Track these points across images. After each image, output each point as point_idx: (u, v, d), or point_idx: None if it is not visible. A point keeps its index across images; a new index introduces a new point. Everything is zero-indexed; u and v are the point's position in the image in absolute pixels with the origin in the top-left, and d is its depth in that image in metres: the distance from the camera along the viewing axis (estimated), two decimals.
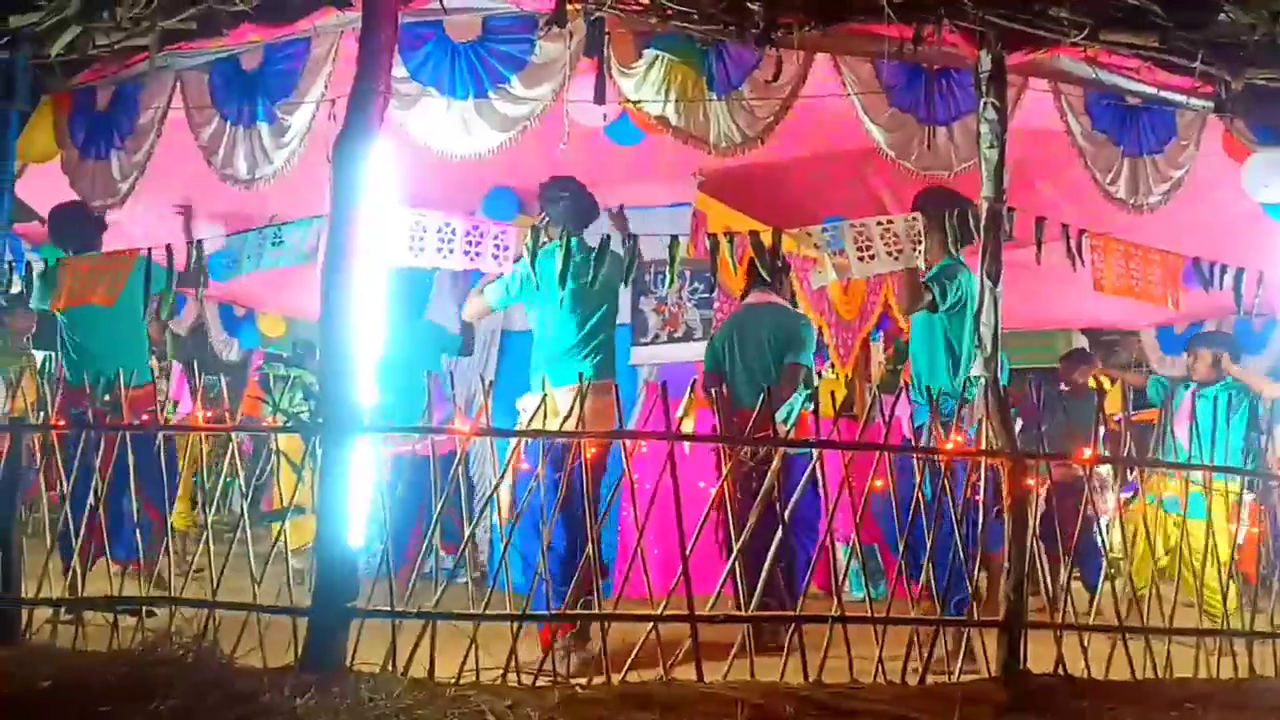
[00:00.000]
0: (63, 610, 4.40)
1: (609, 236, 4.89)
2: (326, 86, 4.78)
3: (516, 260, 4.98)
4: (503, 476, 4.30)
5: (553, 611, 4.08)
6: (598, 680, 3.91)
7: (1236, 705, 4.01)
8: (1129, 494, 5.95)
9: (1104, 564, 4.91)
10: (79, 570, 4.43)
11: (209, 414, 4.38)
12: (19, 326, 6.78)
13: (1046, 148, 5.44)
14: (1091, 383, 8.02)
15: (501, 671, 3.89)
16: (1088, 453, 4.58)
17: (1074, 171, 5.33)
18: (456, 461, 4.13)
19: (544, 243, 4.93)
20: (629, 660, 3.95)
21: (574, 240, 4.89)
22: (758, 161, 5.40)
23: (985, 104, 4.64)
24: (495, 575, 4.17)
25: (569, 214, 5.02)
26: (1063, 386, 7.80)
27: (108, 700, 3.35)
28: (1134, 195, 5.26)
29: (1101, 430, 4.62)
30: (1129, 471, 5.41)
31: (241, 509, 4.29)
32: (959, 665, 4.23)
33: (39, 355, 7.08)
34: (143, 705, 3.30)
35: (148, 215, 6.23)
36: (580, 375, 4.29)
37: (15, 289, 5.57)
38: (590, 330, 4.97)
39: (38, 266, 5.48)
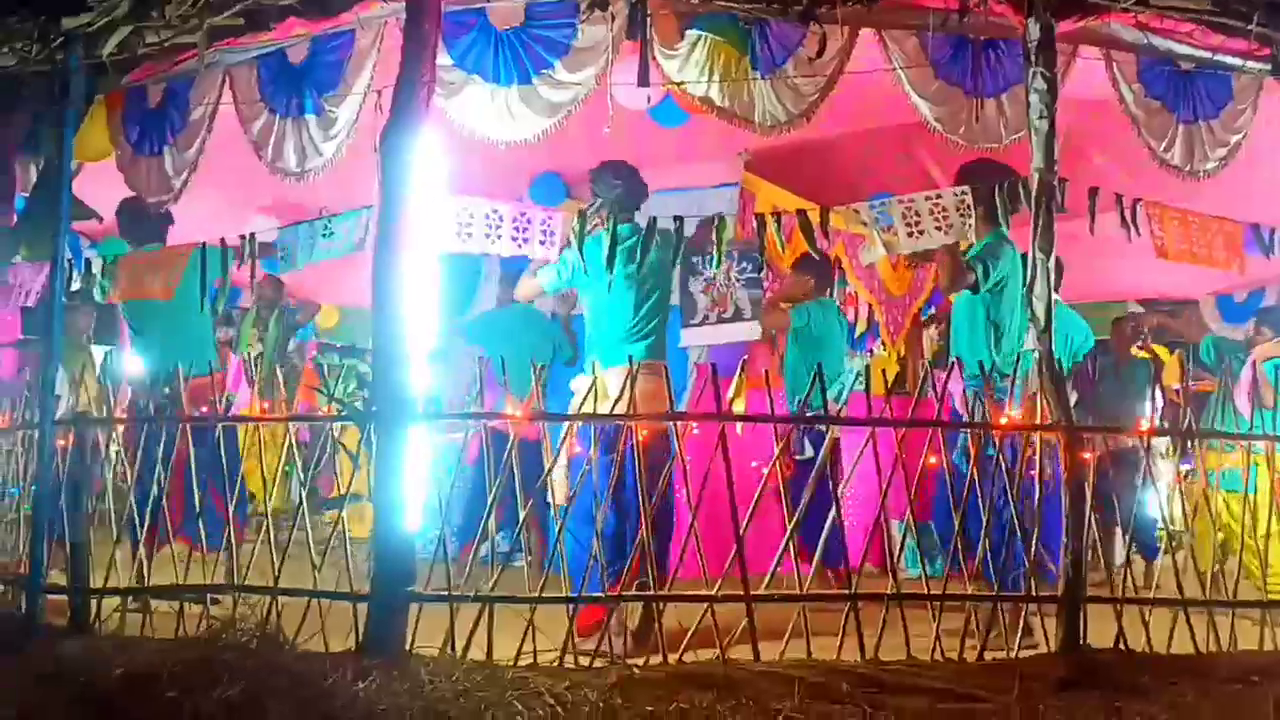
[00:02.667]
0: (130, 599, 4.50)
1: (655, 219, 4.87)
2: (372, 77, 4.81)
3: (565, 245, 5.00)
4: (555, 460, 4.32)
5: (608, 594, 4.10)
6: (654, 661, 3.93)
7: None
8: (1188, 466, 5.86)
9: (1159, 533, 4.84)
10: (145, 560, 4.52)
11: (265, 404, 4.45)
12: (78, 323, 6.91)
13: (1098, 116, 5.35)
14: (1144, 353, 7.89)
15: (559, 653, 3.93)
16: (1144, 424, 4.52)
17: (1127, 140, 5.23)
18: (509, 446, 4.16)
19: (592, 228, 4.92)
20: (685, 641, 3.97)
21: (621, 226, 4.86)
22: (804, 139, 5.36)
23: (1034, 74, 4.55)
24: (551, 558, 4.20)
25: (623, 200, 4.98)
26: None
27: (175, 686, 3.43)
28: (1189, 162, 5.15)
29: (1159, 401, 4.56)
30: (1188, 444, 5.33)
31: (300, 497, 4.35)
32: (1018, 641, 4.21)
33: (99, 350, 7.23)
34: (209, 691, 3.37)
35: (201, 209, 6.31)
36: (630, 358, 4.30)
37: (74, 285, 5.68)
38: (643, 315, 4.92)
39: (96, 264, 5.59)
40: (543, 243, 4.85)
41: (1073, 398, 5.31)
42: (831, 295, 6.87)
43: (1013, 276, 5.00)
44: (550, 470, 4.31)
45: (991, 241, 5.04)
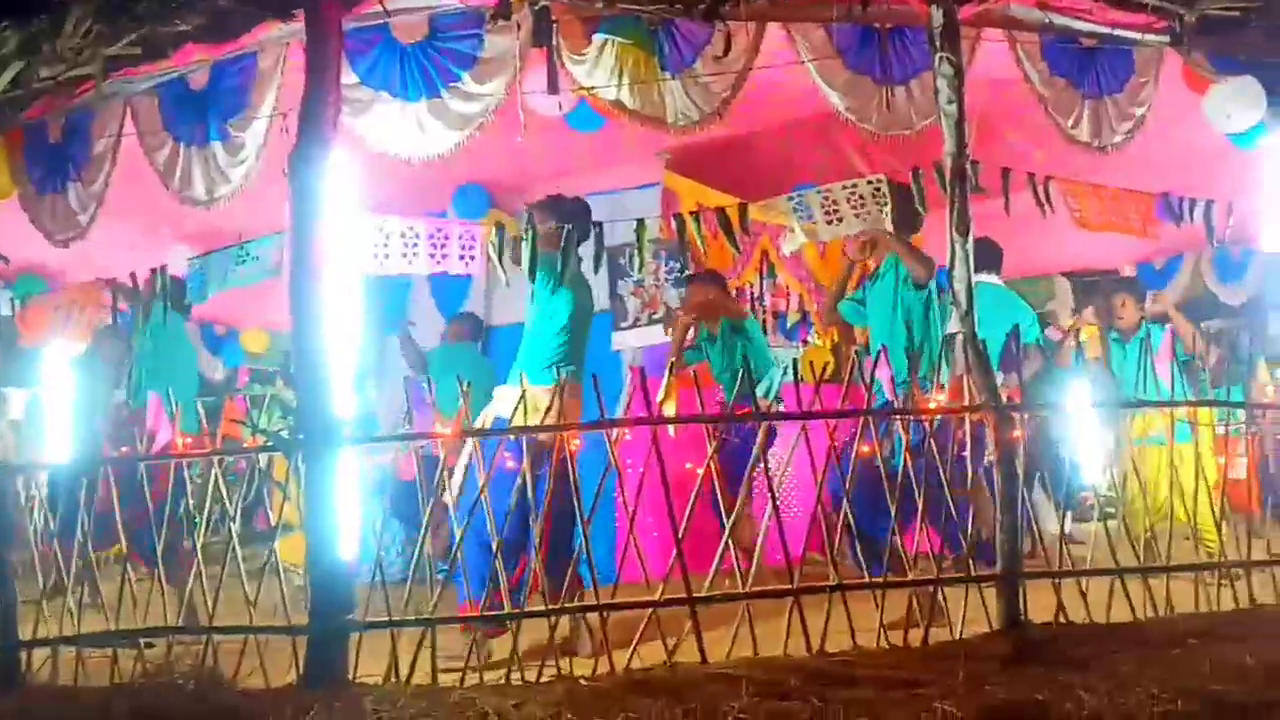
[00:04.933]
0: (61, 648, 4.38)
1: (571, 228, 4.80)
2: (278, 100, 4.74)
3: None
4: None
5: (550, 607, 4.06)
6: (601, 670, 3.90)
7: (1238, 636, 4.01)
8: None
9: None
10: (73, 608, 4.41)
11: (188, 440, 4.34)
12: None
13: (1008, 96, 5.41)
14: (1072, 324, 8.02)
15: (505, 671, 3.89)
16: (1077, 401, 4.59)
17: (1038, 117, 5.31)
18: (441, 467, 4.11)
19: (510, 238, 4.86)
20: (631, 647, 3.94)
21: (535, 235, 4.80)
22: (724, 135, 5.38)
23: (940, 59, 4.59)
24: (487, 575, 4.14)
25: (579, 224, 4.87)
26: None
27: None
28: (1096, 137, 5.24)
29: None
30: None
31: (229, 531, 4.26)
32: (962, 622, 4.24)
33: (18, 394, 7.04)
34: None
35: (118, 241, 6.18)
36: (557, 371, 4.27)
37: None
38: (566, 333, 4.87)
39: (5, 304, 5.46)
40: (461, 258, 4.79)
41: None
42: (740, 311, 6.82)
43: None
44: (484, 487, 4.24)
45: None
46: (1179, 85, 5.42)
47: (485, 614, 4.05)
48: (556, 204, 4.84)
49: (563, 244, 4.69)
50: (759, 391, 4.42)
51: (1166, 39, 5.15)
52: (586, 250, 4.90)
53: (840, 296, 5.63)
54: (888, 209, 4.89)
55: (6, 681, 4.24)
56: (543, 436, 4.18)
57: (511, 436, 4.18)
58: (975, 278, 4.58)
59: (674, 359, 5.57)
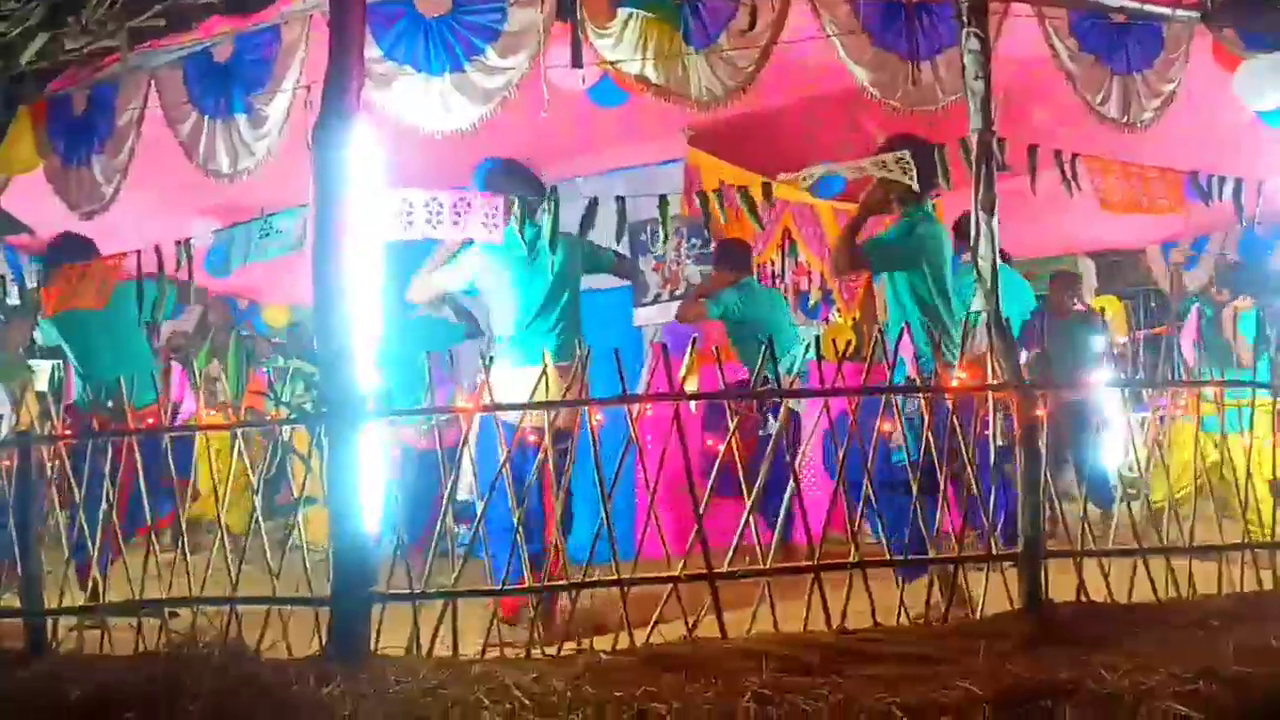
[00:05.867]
0: (87, 618, 4.43)
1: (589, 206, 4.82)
2: (301, 73, 4.74)
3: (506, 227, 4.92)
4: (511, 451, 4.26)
5: (571, 581, 4.07)
6: (622, 645, 3.92)
7: (1260, 617, 4.00)
8: (1144, 414, 5.93)
9: (1113, 484, 4.88)
10: (99, 577, 4.45)
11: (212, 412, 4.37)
12: (14, 339, 6.78)
13: (1036, 73, 5.37)
14: (1097, 304, 7.96)
15: (525, 644, 3.91)
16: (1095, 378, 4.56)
17: (1065, 95, 5.26)
18: (463, 441, 4.12)
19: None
20: (652, 623, 3.95)
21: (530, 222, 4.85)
22: (747, 112, 5.35)
23: (967, 35, 4.54)
24: (512, 549, 4.16)
25: (527, 191, 4.94)
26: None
27: (138, 704, 3.37)
28: (1125, 114, 5.20)
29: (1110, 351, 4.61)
30: (1144, 392, 5.39)
31: (253, 504, 4.29)
32: (982, 601, 4.23)
33: (45, 365, 7.09)
34: (172, 707, 3.31)
35: (141, 214, 6.20)
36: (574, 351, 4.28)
37: (14, 301, 5.57)
38: (565, 302, 4.94)
39: (33, 278, 5.49)
40: (484, 224, 4.77)
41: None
42: (751, 276, 6.81)
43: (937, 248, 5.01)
44: (504, 463, 4.25)
45: (911, 222, 5.01)
46: (1209, 62, 5.35)
47: (504, 589, 4.06)
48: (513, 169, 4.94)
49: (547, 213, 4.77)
50: (783, 368, 4.40)
51: (1197, 15, 5.10)
52: (609, 225, 4.91)
53: (854, 231, 5.14)
54: (912, 179, 4.85)
55: (33, 649, 4.29)
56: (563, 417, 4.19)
57: (534, 414, 4.19)
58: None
59: None
